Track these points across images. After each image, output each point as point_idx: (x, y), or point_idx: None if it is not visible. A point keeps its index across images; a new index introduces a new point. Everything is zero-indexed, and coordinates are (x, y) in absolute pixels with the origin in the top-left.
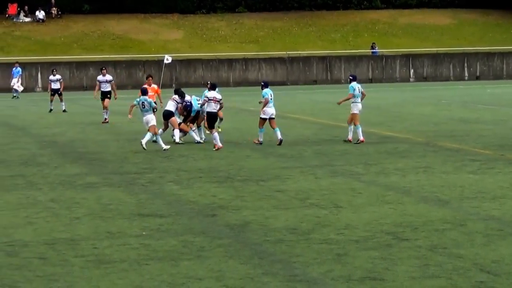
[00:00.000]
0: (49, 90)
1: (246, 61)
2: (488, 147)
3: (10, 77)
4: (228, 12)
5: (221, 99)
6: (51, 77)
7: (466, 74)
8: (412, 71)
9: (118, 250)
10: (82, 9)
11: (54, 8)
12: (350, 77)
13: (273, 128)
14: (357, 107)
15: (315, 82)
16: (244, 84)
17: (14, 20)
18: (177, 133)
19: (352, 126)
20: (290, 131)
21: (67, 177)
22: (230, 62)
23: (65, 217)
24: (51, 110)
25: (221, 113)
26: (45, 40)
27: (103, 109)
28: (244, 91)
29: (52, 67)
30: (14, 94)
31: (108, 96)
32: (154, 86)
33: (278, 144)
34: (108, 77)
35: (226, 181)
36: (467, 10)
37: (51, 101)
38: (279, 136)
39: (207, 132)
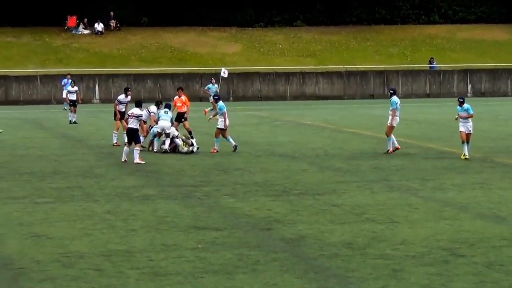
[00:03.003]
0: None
1: (303, 74)
2: None
3: (61, 88)
4: (286, 26)
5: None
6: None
7: None
8: (469, 86)
9: (173, 262)
10: (140, 22)
11: (113, 21)
12: (391, 91)
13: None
14: (396, 121)
15: (372, 96)
16: (301, 98)
17: (73, 32)
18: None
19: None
20: (347, 145)
21: (124, 189)
22: (287, 75)
23: (121, 229)
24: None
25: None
26: (103, 52)
27: (117, 131)
28: (301, 105)
29: (109, 79)
30: (65, 107)
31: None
32: (182, 97)
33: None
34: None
35: (282, 194)
36: None
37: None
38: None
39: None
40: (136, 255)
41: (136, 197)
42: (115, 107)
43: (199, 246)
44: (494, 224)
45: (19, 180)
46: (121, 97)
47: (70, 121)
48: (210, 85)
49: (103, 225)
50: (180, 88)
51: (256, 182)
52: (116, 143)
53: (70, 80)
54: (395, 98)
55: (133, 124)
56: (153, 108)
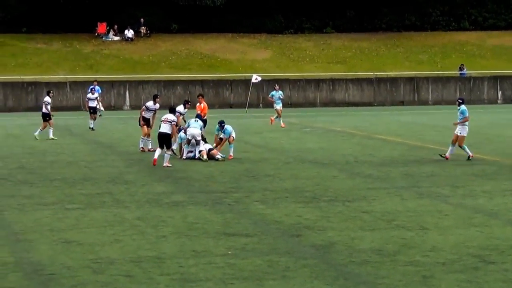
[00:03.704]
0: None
1: (333, 81)
2: None
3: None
4: (315, 33)
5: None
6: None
7: None
8: (500, 92)
9: (203, 269)
10: (170, 29)
11: (143, 27)
12: (460, 100)
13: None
14: (466, 130)
15: (402, 103)
16: (331, 105)
17: (103, 39)
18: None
19: (455, 147)
20: (377, 152)
21: (154, 195)
22: (317, 82)
23: (151, 235)
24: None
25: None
26: (134, 58)
27: (145, 136)
28: (331, 111)
29: (140, 85)
30: (100, 113)
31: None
32: (202, 105)
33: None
34: (157, 105)
35: (312, 201)
36: None
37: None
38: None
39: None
40: (166, 261)
41: (166, 203)
42: (141, 113)
43: (229, 252)
44: None
45: (50, 186)
46: (150, 103)
47: (89, 127)
48: (273, 92)
49: (133, 231)
50: (201, 95)
51: (286, 188)
52: (142, 148)
53: (94, 87)
54: (465, 107)
55: (165, 129)
56: (180, 108)
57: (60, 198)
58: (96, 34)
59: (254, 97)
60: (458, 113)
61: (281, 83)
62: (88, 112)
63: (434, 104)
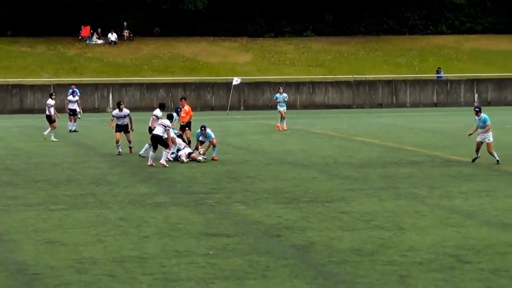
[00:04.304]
0: (67, 110)
1: (313, 84)
2: None
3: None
4: (296, 36)
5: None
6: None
7: None
8: (476, 95)
9: (185, 268)
10: (153, 32)
11: (126, 31)
12: (477, 109)
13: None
14: (491, 135)
15: (380, 105)
16: (310, 107)
17: (87, 42)
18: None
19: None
20: (356, 154)
21: (137, 196)
22: (297, 85)
23: (134, 235)
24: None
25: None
26: (117, 61)
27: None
28: (310, 114)
29: (123, 88)
30: (79, 116)
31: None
32: (186, 108)
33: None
34: (126, 111)
35: (292, 202)
36: None
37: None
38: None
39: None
40: (149, 261)
41: (148, 204)
42: (110, 123)
43: (210, 252)
44: (500, 231)
45: (34, 188)
46: (115, 112)
47: (70, 130)
48: (277, 95)
49: (116, 232)
50: (183, 98)
51: (267, 189)
52: (119, 153)
53: (73, 90)
54: (486, 115)
55: (159, 131)
56: (157, 111)
57: (44, 199)
58: (79, 37)
59: (235, 99)
60: (479, 122)
61: (262, 86)
62: (68, 115)
63: (411, 107)
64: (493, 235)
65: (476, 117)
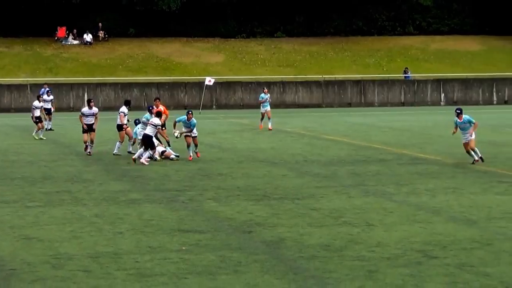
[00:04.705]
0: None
1: (283, 84)
2: None
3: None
4: (267, 37)
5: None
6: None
7: (495, 98)
8: (443, 95)
9: (158, 264)
10: (127, 33)
11: (101, 32)
12: (458, 111)
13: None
14: (473, 134)
15: (349, 104)
16: (281, 106)
17: (63, 42)
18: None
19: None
20: (326, 152)
21: (111, 193)
22: (268, 84)
23: (108, 231)
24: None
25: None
26: (92, 62)
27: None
28: (281, 113)
29: (98, 88)
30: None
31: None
32: (161, 108)
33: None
34: (94, 110)
35: (262, 199)
36: (497, 37)
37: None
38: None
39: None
40: (123, 256)
41: (123, 201)
42: (80, 119)
43: (183, 248)
44: (466, 227)
45: (11, 185)
46: (85, 109)
47: (46, 128)
48: (262, 94)
49: (91, 228)
50: (157, 98)
51: (238, 187)
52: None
53: (46, 89)
54: (467, 116)
55: (149, 131)
56: (123, 108)
57: (20, 196)
58: (56, 38)
59: (208, 98)
60: (462, 124)
61: (233, 85)
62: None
63: (380, 106)
64: (459, 231)
65: (458, 119)
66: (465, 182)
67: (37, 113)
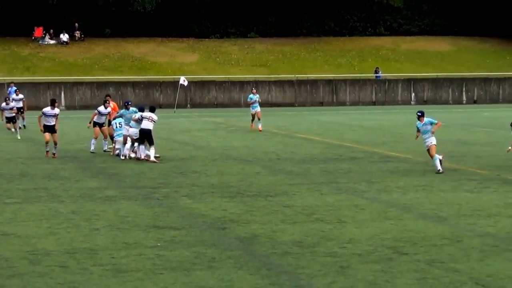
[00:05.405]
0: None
1: (257, 83)
2: (484, 167)
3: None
4: (240, 37)
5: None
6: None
7: (464, 98)
8: (413, 94)
9: (134, 260)
10: (103, 33)
11: (78, 32)
12: (419, 113)
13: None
14: (435, 139)
15: (321, 104)
16: None
17: (40, 42)
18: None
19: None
20: (298, 150)
21: (87, 190)
22: (241, 84)
23: (85, 228)
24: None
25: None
26: (69, 61)
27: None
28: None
29: (74, 87)
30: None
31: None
32: (111, 104)
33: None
34: (57, 110)
35: (236, 196)
36: (466, 38)
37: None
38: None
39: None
40: (99, 252)
41: (99, 198)
42: (39, 119)
43: (158, 244)
44: (436, 224)
45: None
46: (47, 109)
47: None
48: (251, 95)
49: (68, 224)
50: (108, 95)
51: (212, 184)
52: (47, 153)
53: (14, 88)
54: (429, 118)
55: (149, 126)
56: (101, 108)
57: None
58: (33, 37)
59: (182, 98)
60: (423, 126)
61: (207, 85)
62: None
63: (351, 105)
64: (429, 228)
65: (420, 122)
66: (435, 180)
67: (7, 114)
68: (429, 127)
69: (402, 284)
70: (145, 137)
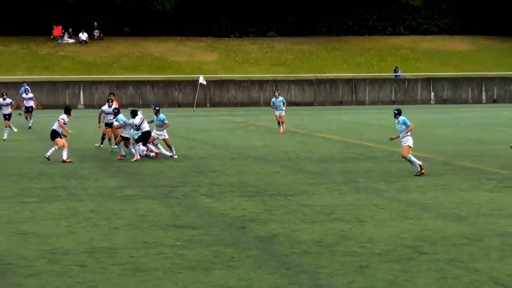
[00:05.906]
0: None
1: (276, 82)
2: (504, 166)
3: (20, 96)
4: (259, 36)
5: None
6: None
7: (484, 97)
8: (432, 94)
9: (153, 259)
10: (122, 32)
11: (97, 31)
12: (396, 112)
13: (403, 157)
14: (411, 140)
15: (341, 103)
16: None
17: (59, 41)
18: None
19: (415, 158)
20: (317, 149)
21: (107, 189)
22: (261, 83)
23: (104, 227)
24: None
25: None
26: (87, 60)
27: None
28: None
29: (93, 86)
30: (20, 113)
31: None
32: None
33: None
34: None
35: (255, 195)
36: (485, 37)
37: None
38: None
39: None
40: (118, 251)
41: (118, 197)
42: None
43: (178, 243)
44: (455, 223)
45: (8, 181)
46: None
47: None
48: (273, 99)
49: (87, 224)
50: (112, 94)
51: (232, 183)
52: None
53: (25, 87)
54: (404, 117)
55: (148, 127)
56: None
57: (17, 192)
58: (52, 36)
59: (201, 96)
60: (398, 126)
61: (226, 84)
62: (24, 112)
63: (370, 104)
64: (449, 227)
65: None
66: (455, 179)
67: (4, 110)
68: (403, 127)
69: (422, 283)
70: (147, 138)
